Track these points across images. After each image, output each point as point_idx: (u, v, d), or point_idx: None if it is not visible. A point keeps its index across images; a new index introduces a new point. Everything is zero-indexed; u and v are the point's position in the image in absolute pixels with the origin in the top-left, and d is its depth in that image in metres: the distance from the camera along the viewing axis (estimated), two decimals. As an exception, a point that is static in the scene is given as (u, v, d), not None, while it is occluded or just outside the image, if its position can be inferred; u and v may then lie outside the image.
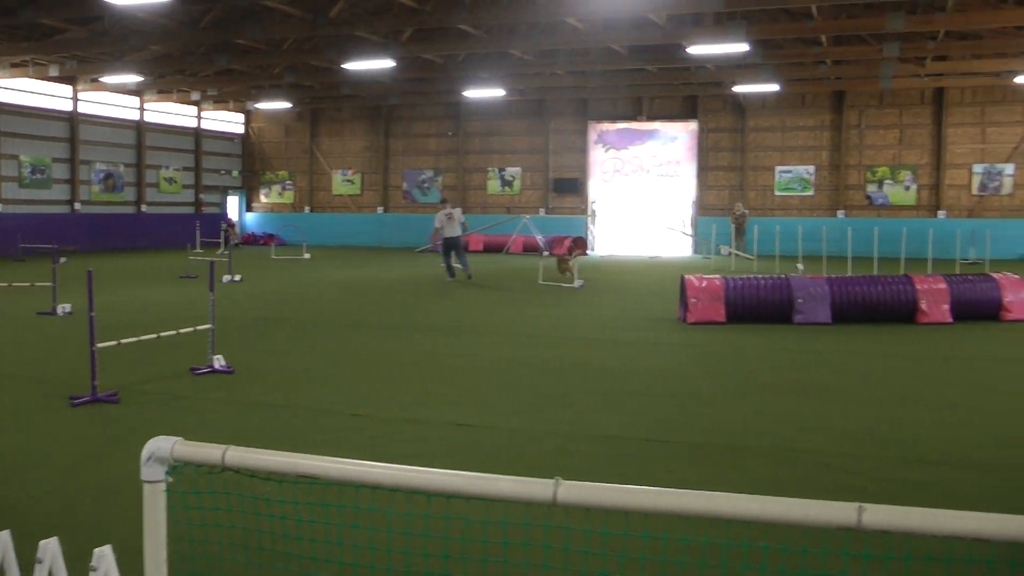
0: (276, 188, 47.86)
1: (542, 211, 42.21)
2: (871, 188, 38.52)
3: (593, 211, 41.66)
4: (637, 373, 11.66)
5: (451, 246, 25.07)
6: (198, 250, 33.12)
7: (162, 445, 2.35)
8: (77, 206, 39.06)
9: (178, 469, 2.36)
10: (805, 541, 3.49)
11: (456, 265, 25.04)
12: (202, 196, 45.85)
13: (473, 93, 37.78)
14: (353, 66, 30.51)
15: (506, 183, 43.56)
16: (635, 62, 32.35)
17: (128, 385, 10.62)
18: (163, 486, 2.39)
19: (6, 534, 2.53)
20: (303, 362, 12.39)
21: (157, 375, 11.38)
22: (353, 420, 9.05)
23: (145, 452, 2.36)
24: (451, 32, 29.48)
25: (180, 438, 2.35)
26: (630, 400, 10.01)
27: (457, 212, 25.55)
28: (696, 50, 27.21)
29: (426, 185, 44.80)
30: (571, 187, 42.05)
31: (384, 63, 29.56)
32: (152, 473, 2.37)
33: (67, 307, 17.30)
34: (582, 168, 42.03)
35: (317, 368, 11.96)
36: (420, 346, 13.80)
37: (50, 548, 2.46)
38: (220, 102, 44.29)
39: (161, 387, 10.69)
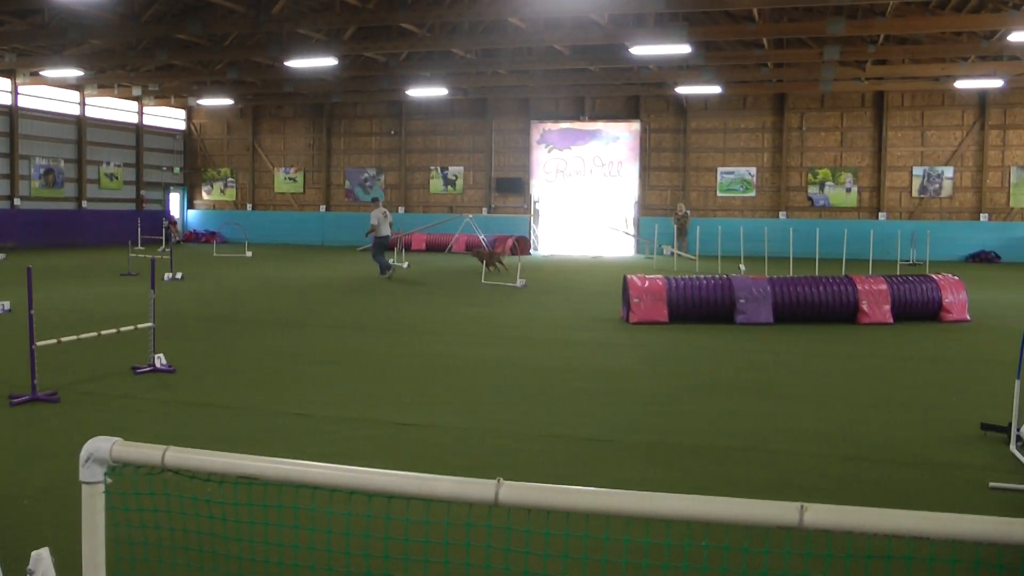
0: (218, 185, 47.43)
1: (485, 210, 42.23)
2: (812, 190, 39.00)
3: (536, 211, 41.73)
4: (581, 372, 11.72)
5: (385, 245, 25.86)
6: (139, 247, 32.76)
7: (101, 446, 2.34)
8: (16, 201, 38.43)
9: (117, 470, 2.35)
10: (747, 540, 3.54)
11: (391, 262, 25.59)
12: (143, 193, 45.30)
13: (416, 92, 37.68)
14: (295, 64, 30.34)
15: (448, 182, 43.52)
16: (578, 62, 32.48)
17: (68, 384, 10.50)
18: (102, 487, 2.37)
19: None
20: (245, 361, 12.31)
21: (98, 374, 11.25)
22: (295, 420, 9.01)
23: (84, 453, 2.34)
24: (393, 31, 29.42)
25: (119, 439, 2.34)
26: (574, 399, 10.06)
27: (387, 212, 26.09)
28: (638, 51, 27.36)
29: (368, 184, 44.63)
30: (514, 187, 42.09)
31: (326, 61, 29.41)
32: (91, 474, 2.35)
33: (6, 304, 17.03)
34: (525, 168, 42.07)
35: (259, 367, 11.89)
36: (362, 345, 13.76)
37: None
38: (161, 97, 43.79)
39: (102, 386, 10.57)
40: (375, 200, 27.39)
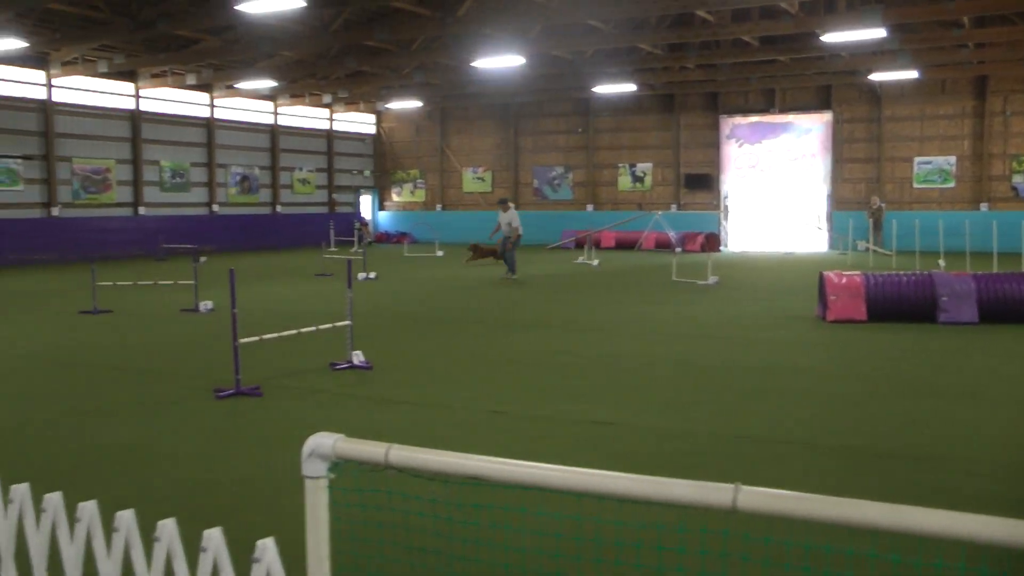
0: (408, 187, 48.37)
1: (674, 207, 41.73)
2: (1017, 179, 36.99)
3: (725, 207, 41.01)
4: (776, 372, 11.38)
5: (504, 245, 25.42)
6: (332, 248, 33.65)
7: (324, 441, 2.31)
8: (215, 208, 40.12)
9: (340, 466, 2.32)
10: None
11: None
12: (335, 196, 46.64)
13: (602, 89, 37.52)
14: (482, 64, 30.62)
15: (637, 179, 43.16)
16: (767, 52, 31.70)
17: (270, 379, 10.81)
18: (325, 482, 2.34)
19: (171, 523, 2.52)
20: (440, 358, 12.43)
21: (298, 370, 11.55)
22: (490, 417, 9.02)
23: (306, 448, 2.32)
24: (579, 28, 29.34)
25: (342, 435, 2.30)
26: (768, 400, 9.75)
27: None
28: (830, 38, 26.50)
29: (556, 182, 44.71)
30: (703, 183, 41.45)
31: (512, 60, 29.58)
32: (314, 469, 2.33)
33: (209, 304, 17.73)
34: (713, 163, 41.34)
35: (454, 364, 11.98)
36: (555, 343, 13.72)
37: (214, 538, 2.44)
38: (351, 103, 44.98)
39: (301, 381, 10.84)
40: (503, 201, 26.93)
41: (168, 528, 2.57)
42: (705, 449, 7.82)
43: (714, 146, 41.31)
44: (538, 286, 22.89)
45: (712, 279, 22.69)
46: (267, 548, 2.34)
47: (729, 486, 2.06)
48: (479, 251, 26.05)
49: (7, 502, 3.04)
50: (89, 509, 2.79)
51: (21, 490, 3.01)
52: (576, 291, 21.52)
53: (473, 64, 30.81)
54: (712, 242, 37.16)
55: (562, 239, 40.75)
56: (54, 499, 2.91)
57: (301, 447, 7.18)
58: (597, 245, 36.69)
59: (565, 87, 39.18)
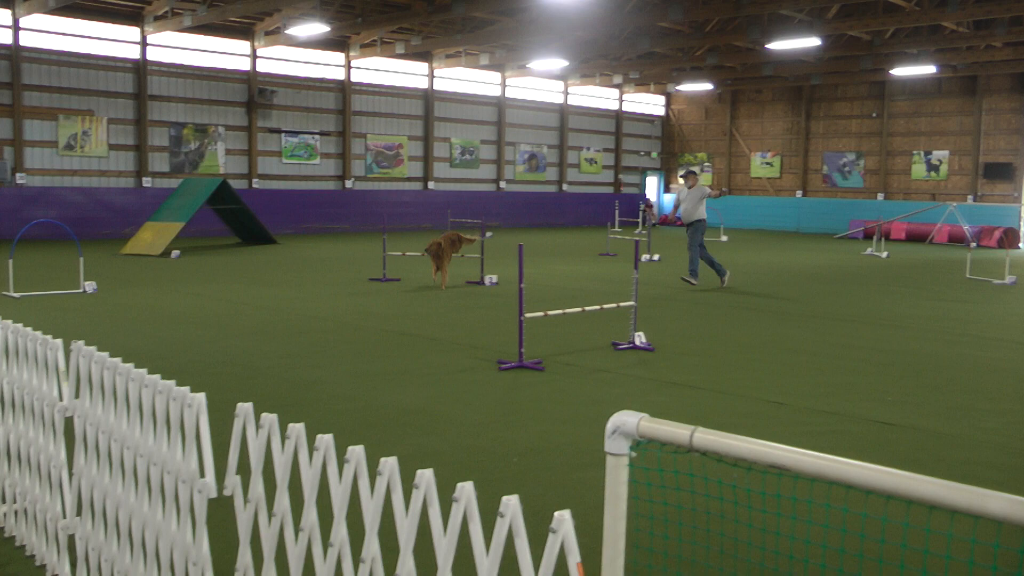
0: (695, 170, 47.90)
1: (970, 198, 39.42)
2: None
3: (1030, 199, 38.35)
4: (1089, 378, 10.55)
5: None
6: (617, 229, 33.83)
7: (628, 420, 2.29)
8: (502, 184, 41.16)
9: (642, 445, 2.30)
10: None
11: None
12: (621, 177, 46.87)
13: (900, 71, 35.84)
14: (776, 46, 29.91)
15: (932, 168, 40.94)
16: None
17: (552, 355, 10.97)
18: (626, 460, 2.33)
19: (469, 486, 2.58)
20: (721, 344, 12.26)
21: (580, 347, 11.67)
22: (771, 407, 8.81)
23: (610, 425, 2.31)
24: (879, 6, 28.14)
25: (646, 415, 2.29)
26: (1081, 407, 9.05)
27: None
28: None
29: (847, 168, 43.13)
30: (1003, 172, 38.78)
31: (808, 42, 28.74)
32: (616, 446, 2.32)
33: (494, 278, 18.21)
34: (1017, 152, 38.69)
35: (735, 351, 11.78)
36: (838, 335, 13.25)
37: (511, 504, 2.48)
38: (641, 85, 44.97)
39: (583, 359, 10.94)
40: (689, 174, 23.42)
41: (466, 490, 2.63)
42: (993, 461, 7.32)
43: (1019, 133, 38.62)
44: (823, 277, 22.17)
45: (1010, 279, 21.25)
46: (564, 520, 2.35)
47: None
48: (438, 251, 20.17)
49: (312, 450, 3.20)
50: (391, 464, 2.90)
51: (326, 440, 3.16)
52: (863, 283, 20.70)
53: (767, 46, 30.15)
54: (1011, 238, 34.86)
55: (850, 229, 39.36)
56: (357, 451, 3.03)
57: (582, 424, 7.28)
58: (887, 236, 35.22)
59: (860, 69, 37.64)
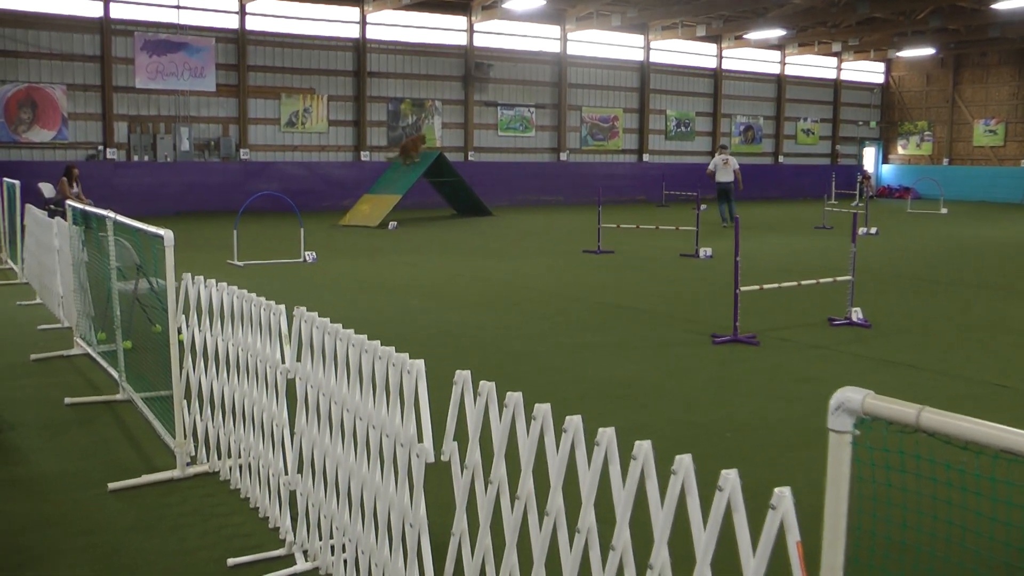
0: (914, 139, 45.98)
1: None
2: None
3: None
4: None
5: (724, 191, 25.46)
6: (833, 201, 32.86)
7: (852, 396, 2.22)
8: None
9: (866, 423, 2.23)
10: None
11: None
12: (838, 147, 45.45)
13: None
14: (1003, 5, 28.30)
15: None
16: None
17: (766, 329, 10.78)
18: (849, 438, 2.26)
19: (688, 459, 2.57)
20: (940, 323, 11.75)
21: (795, 322, 11.42)
22: (992, 390, 8.38)
23: (834, 402, 2.25)
24: None
25: (871, 391, 2.21)
26: None
27: (733, 160, 25.88)
28: None
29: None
30: None
31: (1042, 1, 27.10)
32: (840, 423, 2.25)
33: (708, 251, 17.99)
34: None
35: (954, 331, 11.26)
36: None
37: (730, 479, 2.45)
38: (860, 52, 43.38)
39: (797, 334, 10.70)
40: (723, 147, 27.06)
41: (684, 463, 2.62)
42: None
43: None
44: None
45: None
46: (784, 497, 2.30)
47: None
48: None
49: (529, 419, 3.24)
50: (608, 435, 2.91)
51: (543, 409, 3.19)
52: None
53: (993, 6, 28.56)
54: None
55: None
56: (575, 421, 3.05)
57: (797, 401, 7.14)
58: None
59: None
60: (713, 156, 27.27)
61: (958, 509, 2.64)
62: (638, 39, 37.70)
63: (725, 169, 25.61)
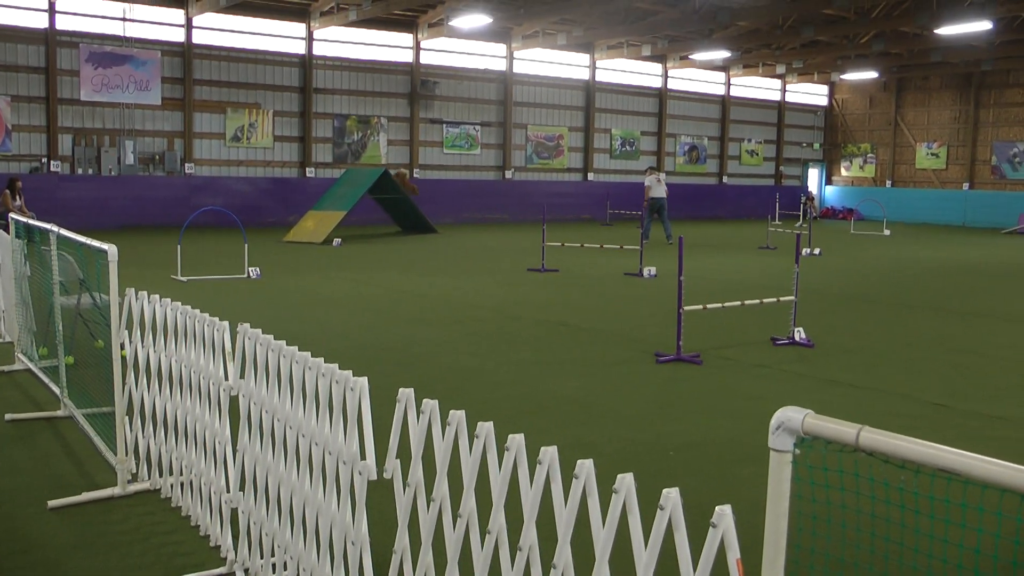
0: (857, 161, 46.60)
1: None
2: None
3: None
4: None
5: (660, 206, 26.61)
6: (777, 222, 33.23)
7: (793, 416, 2.24)
8: (662, 176, 40.81)
9: (806, 442, 2.25)
10: None
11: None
12: (782, 168, 45.95)
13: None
14: (946, 31, 28.80)
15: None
16: None
17: (709, 348, 10.84)
18: (790, 457, 2.28)
19: (630, 477, 2.58)
20: (882, 343, 11.90)
21: (738, 341, 11.51)
22: (932, 409, 8.49)
23: (774, 421, 2.27)
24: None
25: (811, 411, 2.23)
26: None
27: (663, 176, 27.71)
28: None
29: (1018, 159, 41.17)
30: None
31: (979, 25, 27.52)
32: (780, 443, 2.27)
33: (652, 270, 18.09)
34: None
35: (896, 350, 11.41)
36: (1004, 336, 12.69)
37: (671, 497, 2.46)
38: (804, 74, 43.93)
39: (740, 353, 10.78)
40: (653, 168, 29.09)
41: (626, 481, 2.62)
42: None
43: None
44: (990, 273, 21.31)
45: None
46: (725, 515, 2.32)
47: None
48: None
49: (472, 437, 3.23)
50: (551, 453, 2.91)
51: (486, 427, 3.19)
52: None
53: (936, 31, 29.08)
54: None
55: (1020, 223, 37.76)
56: (517, 439, 3.05)
57: (741, 419, 7.21)
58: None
59: (1036, 54, 35.93)
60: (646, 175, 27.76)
61: (897, 527, 2.67)
62: (584, 58, 37.92)
63: (659, 186, 26.71)
